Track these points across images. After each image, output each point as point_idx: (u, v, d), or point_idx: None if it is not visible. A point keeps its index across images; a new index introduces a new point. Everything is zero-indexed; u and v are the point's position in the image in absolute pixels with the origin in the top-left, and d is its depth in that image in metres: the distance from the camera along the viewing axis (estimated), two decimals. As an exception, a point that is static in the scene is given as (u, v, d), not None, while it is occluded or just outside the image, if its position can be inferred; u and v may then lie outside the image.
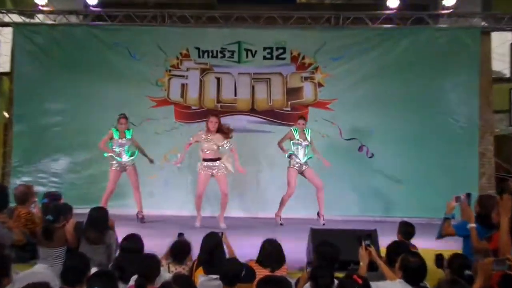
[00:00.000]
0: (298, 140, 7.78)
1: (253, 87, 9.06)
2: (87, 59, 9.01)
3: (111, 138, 7.72)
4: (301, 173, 7.78)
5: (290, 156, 7.79)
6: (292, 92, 9.07)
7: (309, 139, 7.80)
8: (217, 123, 7.46)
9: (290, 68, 9.07)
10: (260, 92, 9.06)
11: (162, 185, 8.85)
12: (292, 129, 7.90)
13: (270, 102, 9.08)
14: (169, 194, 8.81)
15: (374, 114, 8.86)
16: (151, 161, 7.97)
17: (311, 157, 7.83)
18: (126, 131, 7.76)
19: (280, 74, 9.09)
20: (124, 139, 7.74)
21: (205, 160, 7.49)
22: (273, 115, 9.02)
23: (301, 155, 7.78)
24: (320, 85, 9.03)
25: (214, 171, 7.42)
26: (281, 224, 7.78)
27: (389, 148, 8.80)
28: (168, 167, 8.78)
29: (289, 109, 9.03)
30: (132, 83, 8.98)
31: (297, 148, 7.78)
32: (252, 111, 9.05)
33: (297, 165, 7.77)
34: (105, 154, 7.66)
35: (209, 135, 7.47)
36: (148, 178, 8.61)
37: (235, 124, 8.62)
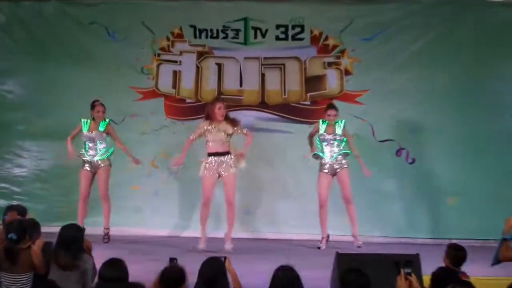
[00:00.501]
0: (323, 134, 7.82)
1: (263, 76, 9.06)
2: (58, 42, 9.08)
3: (80, 131, 7.92)
4: (334, 175, 7.83)
5: (316, 157, 7.87)
6: (313, 82, 9.04)
7: (340, 131, 7.82)
8: (225, 110, 7.54)
9: (309, 51, 9.03)
10: (272, 82, 9.05)
11: (150, 197, 8.94)
12: (320, 121, 7.97)
13: (284, 94, 9.07)
14: (159, 209, 8.88)
15: (417, 110, 8.83)
16: (137, 162, 8.11)
17: (346, 152, 7.84)
18: (101, 122, 7.92)
19: (297, 59, 9.05)
20: (94, 132, 7.89)
21: (210, 154, 7.48)
22: (289, 111, 9.02)
23: (328, 153, 7.81)
24: (347, 72, 8.99)
25: (221, 170, 7.43)
26: (318, 248, 7.93)
27: (436, 152, 8.81)
28: (158, 174, 8.90)
29: (308, 102, 9.03)
30: (111, 71, 9.02)
31: (323, 145, 7.83)
32: (262, 105, 9.05)
33: (327, 167, 7.77)
34: (75, 152, 7.85)
35: (213, 124, 7.52)
36: (132, 188, 8.84)
37: (242, 121, 8.41)
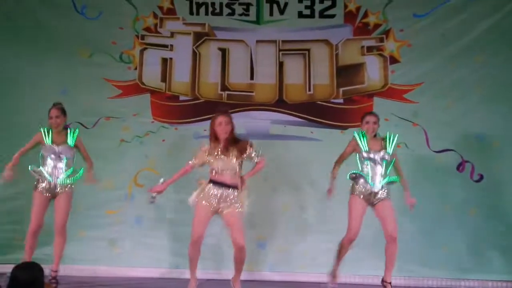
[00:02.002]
0: (367, 152, 7.49)
1: (281, 65, 8.95)
2: (7, 20, 9.00)
3: (39, 143, 7.74)
4: (372, 205, 7.55)
5: (354, 178, 7.54)
6: (347, 73, 8.93)
7: (390, 150, 7.55)
8: (230, 125, 7.17)
9: (343, 32, 8.93)
10: (293, 73, 8.94)
11: (131, 226, 8.80)
12: (355, 134, 7.66)
13: (309, 90, 8.93)
14: (142, 241, 8.76)
15: (486, 110, 8.67)
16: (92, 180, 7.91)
17: (393, 181, 7.58)
18: (67, 131, 7.75)
19: (327, 42, 8.94)
20: (60, 145, 7.67)
21: (214, 182, 7.10)
22: (315, 111, 8.89)
23: (376, 177, 7.49)
24: (394, 60, 8.86)
25: (221, 205, 7.08)
26: None
27: (511, 166, 8.63)
28: (141, 195, 8.64)
29: (341, 100, 8.92)
30: (79, 58, 8.96)
31: (367, 166, 7.54)
32: (280, 104, 8.93)
33: (364, 192, 7.51)
34: (31, 168, 7.65)
35: (218, 147, 7.14)
36: (107, 213, 8.62)
37: (252, 126, 8.70)
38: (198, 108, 8.77)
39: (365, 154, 7.48)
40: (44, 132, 7.64)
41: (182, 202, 8.16)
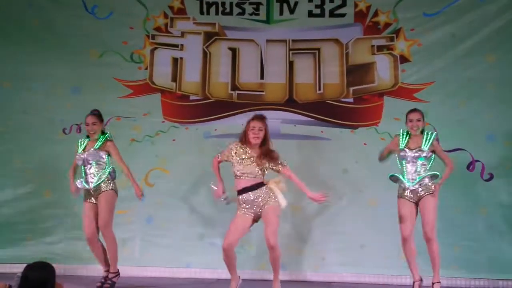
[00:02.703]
0: (403, 150, 7.55)
1: (291, 64, 8.93)
2: (19, 21, 9.00)
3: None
4: (417, 204, 7.60)
5: (394, 180, 7.60)
6: (357, 72, 8.91)
7: (425, 147, 7.52)
8: (262, 132, 7.14)
9: (353, 31, 8.90)
10: (303, 73, 8.92)
11: (142, 225, 8.81)
12: (401, 132, 7.65)
13: (319, 89, 8.91)
14: (154, 241, 8.76)
15: (497, 109, 8.62)
16: (140, 194, 7.86)
17: (432, 176, 7.51)
18: (100, 136, 7.74)
19: (337, 41, 8.92)
20: (88, 151, 7.69)
21: (240, 192, 7.09)
22: (325, 111, 8.87)
23: (409, 176, 7.50)
24: (404, 59, 8.83)
25: (257, 209, 7.07)
26: None
27: None
28: (152, 195, 8.69)
29: (351, 100, 8.90)
30: (90, 58, 8.97)
31: (403, 165, 7.54)
32: (290, 103, 8.91)
33: (408, 193, 7.50)
34: (76, 181, 7.73)
35: (245, 149, 7.11)
36: (117, 213, 8.42)
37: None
38: (209, 108, 8.78)
39: (401, 153, 7.49)
40: (78, 142, 7.70)
41: (192, 202, 8.55)
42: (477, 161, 8.53)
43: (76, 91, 8.66)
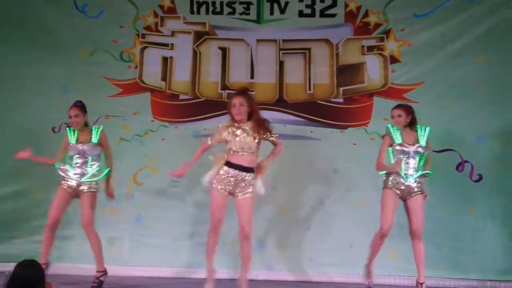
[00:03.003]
0: (401, 144, 7.47)
1: (281, 64, 8.93)
2: (8, 18, 8.98)
3: (67, 144, 7.72)
4: (404, 199, 7.51)
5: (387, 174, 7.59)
6: (347, 72, 8.91)
7: (423, 142, 7.51)
8: (245, 107, 7.04)
9: (344, 32, 8.91)
10: (294, 72, 8.92)
11: (130, 225, 8.77)
12: (389, 126, 7.62)
13: (309, 89, 8.92)
14: (143, 241, 8.73)
15: (487, 110, 8.63)
16: (112, 195, 7.86)
17: (425, 175, 7.54)
18: (93, 128, 7.70)
19: (327, 41, 8.92)
20: (84, 144, 7.62)
21: (230, 165, 6.98)
22: (315, 111, 8.85)
23: (409, 171, 7.46)
24: (394, 60, 8.85)
25: (237, 189, 6.99)
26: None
27: (511, 166, 8.61)
28: (141, 194, 8.74)
29: (341, 100, 8.88)
30: (79, 56, 8.94)
31: (400, 159, 7.48)
32: (280, 103, 8.89)
33: (398, 186, 7.46)
34: (57, 165, 7.65)
35: (240, 125, 7.06)
36: (106, 212, 8.50)
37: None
38: (198, 107, 8.76)
39: (398, 148, 7.42)
40: (70, 132, 7.63)
41: (181, 201, 8.50)
42: (466, 161, 8.55)
43: (66, 90, 8.65)
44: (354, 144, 8.46)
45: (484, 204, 8.47)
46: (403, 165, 7.41)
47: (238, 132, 7.01)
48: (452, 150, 8.58)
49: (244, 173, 6.96)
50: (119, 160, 8.40)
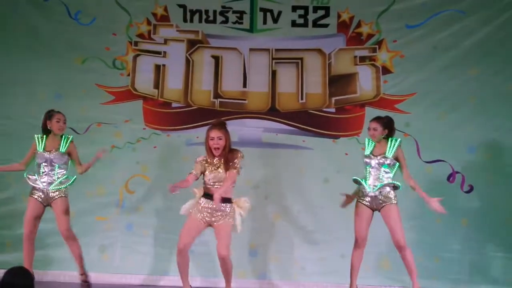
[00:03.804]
0: (368, 156, 7.55)
1: (274, 73, 8.93)
2: (5, 27, 8.98)
3: (35, 151, 7.71)
4: (378, 210, 7.51)
5: (356, 183, 7.60)
6: (339, 82, 8.90)
7: (389, 154, 7.47)
8: (222, 140, 7.01)
9: (336, 42, 8.90)
10: (286, 82, 8.92)
11: (121, 232, 8.76)
12: (366, 139, 7.70)
13: (301, 98, 8.92)
14: (133, 248, 8.71)
15: (479, 121, 8.68)
16: (99, 154, 7.85)
17: (394, 184, 7.44)
18: (61, 137, 7.69)
19: (320, 51, 8.92)
20: (52, 152, 7.60)
21: (206, 196, 6.99)
22: (307, 120, 8.89)
23: (370, 181, 7.44)
24: (386, 70, 8.85)
25: (213, 218, 6.98)
26: None
27: (501, 178, 8.60)
28: (132, 202, 8.74)
29: (332, 109, 8.89)
30: (72, 64, 8.91)
31: (367, 170, 7.54)
32: (272, 112, 8.91)
33: (367, 199, 7.48)
34: (25, 175, 7.66)
35: (214, 159, 7.03)
36: (97, 219, 8.60)
37: (244, 133, 8.71)
38: (191, 115, 8.73)
39: (365, 159, 7.47)
40: (38, 139, 7.60)
41: (172, 209, 8.14)
42: (457, 172, 8.56)
43: (59, 97, 8.62)
44: (346, 154, 8.42)
45: (475, 215, 8.47)
46: (368, 175, 7.40)
47: (213, 166, 6.96)
48: (443, 161, 8.58)
49: (220, 204, 6.88)
50: (111, 168, 8.56)
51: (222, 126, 7.03)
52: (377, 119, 7.60)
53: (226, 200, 6.94)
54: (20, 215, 8.30)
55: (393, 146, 7.44)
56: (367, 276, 8.08)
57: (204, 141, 7.07)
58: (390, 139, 7.49)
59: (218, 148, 6.90)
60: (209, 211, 6.95)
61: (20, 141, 8.25)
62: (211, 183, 6.95)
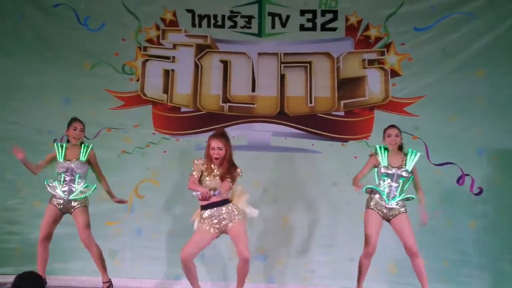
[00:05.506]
0: (386, 166, 7.40)
1: (282, 77, 8.95)
2: (10, 30, 8.99)
3: (54, 160, 7.67)
4: (388, 220, 7.45)
5: (370, 192, 7.46)
6: (348, 86, 8.91)
7: (409, 167, 7.40)
8: (223, 150, 7.00)
9: (344, 45, 8.91)
10: (295, 86, 8.92)
11: (131, 237, 8.80)
12: (377, 147, 7.55)
13: (310, 102, 8.91)
14: (142, 253, 8.74)
15: (488, 124, 8.65)
16: (121, 201, 7.93)
17: (409, 198, 7.43)
18: (81, 146, 7.70)
19: (328, 55, 8.93)
20: (73, 161, 7.60)
21: (204, 207, 6.99)
22: (316, 124, 8.88)
23: (391, 194, 7.37)
24: (395, 73, 8.85)
25: (223, 223, 6.95)
26: None
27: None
28: (142, 206, 8.77)
29: (341, 113, 8.90)
30: (81, 69, 8.94)
31: (385, 181, 7.40)
32: (281, 116, 8.92)
33: (380, 207, 7.43)
34: (46, 182, 7.62)
35: (212, 166, 7.03)
36: (107, 224, 8.62)
37: (253, 138, 8.73)
38: (200, 120, 8.75)
39: (383, 170, 7.35)
40: (58, 148, 7.62)
41: (182, 214, 8.38)
42: (466, 175, 8.53)
43: (68, 102, 8.67)
44: (355, 157, 8.30)
45: (485, 217, 8.46)
46: (386, 187, 7.34)
47: (211, 174, 6.93)
48: (453, 163, 8.56)
49: (220, 207, 6.92)
50: (121, 173, 8.55)
51: (223, 136, 7.02)
52: (396, 126, 7.52)
53: (224, 201, 6.93)
54: (28, 220, 8.54)
55: (413, 160, 7.37)
56: (376, 279, 8.10)
57: (205, 149, 7.08)
58: (410, 150, 7.41)
59: (219, 159, 6.90)
60: (215, 219, 6.92)
61: (28, 146, 8.21)
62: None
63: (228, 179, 6.88)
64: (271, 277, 8.61)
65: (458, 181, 8.56)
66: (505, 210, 8.46)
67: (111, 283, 7.67)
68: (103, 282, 7.68)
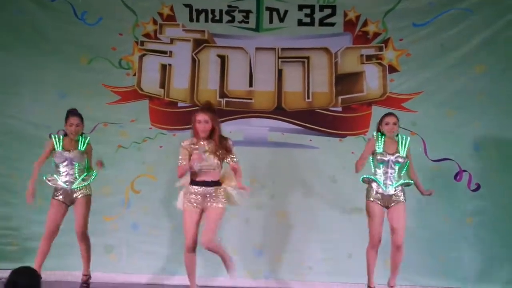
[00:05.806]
0: (381, 153, 7.43)
1: (280, 72, 8.92)
2: (7, 24, 8.96)
3: (52, 151, 7.62)
4: (387, 207, 7.50)
5: (367, 182, 7.50)
6: (346, 81, 8.89)
7: (403, 153, 7.46)
8: (209, 124, 7.00)
9: (342, 41, 8.89)
10: (292, 81, 8.91)
11: (127, 232, 8.77)
12: (374, 134, 7.62)
13: (308, 97, 8.90)
14: (139, 248, 8.73)
15: (485, 120, 8.67)
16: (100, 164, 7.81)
17: (407, 184, 7.52)
18: (79, 137, 7.69)
19: (326, 50, 8.91)
20: (72, 151, 7.59)
21: (194, 183, 6.97)
22: (313, 119, 8.87)
23: (387, 180, 7.40)
24: (393, 69, 8.84)
25: (206, 203, 6.95)
26: None
27: (510, 177, 8.58)
28: (138, 201, 8.75)
29: (339, 108, 8.88)
30: (78, 64, 8.91)
31: (380, 168, 7.46)
32: (279, 111, 8.90)
33: (380, 197, 7.45)
34: (45, 177, 7.61)
35: (201, 142, 7.02)
36: (103, 219, 8.60)
37: (250, 133, 8.71)
38: (197, 115, 8.80)
39: (379, 157, 7.39)
40: (55, 140, 7.57)
41: (178, 209, 8.39)
42: (464, 171, 8.56)
43: (64, 97, 8.62)
44: (352, 152, 8.16)
45: (482, 213, 8.47)
46: (381, 174, 7.39)
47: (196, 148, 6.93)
48: (450, 159, 8.59)
49: (209, 188, 6.92)
50: (117, 167, 8.51)
51: (209, 109, 6.99)
52: (393, 114, 7.60)
53: (215, 182, 6.93)
54: (24, 215, 8.50)
55: (405, 144, 7.45)
56: (374, 275, 7.88)
57: (192, 124, 7.04)
58: (400, 136, 7.49)
59: (205, 131, 6.89)
60: (200, 197, 6.91)
61: (24, 140, 8.35)
62: (200, 168, 6.88)
63: (234, 158, 6.93)
64: (268, 273, 8.61)
65: (455, 177, 8.58)
66: (502, 206, 8.46)
67: (90, 276, 7.70)
68: (84, 275, 7.68)
